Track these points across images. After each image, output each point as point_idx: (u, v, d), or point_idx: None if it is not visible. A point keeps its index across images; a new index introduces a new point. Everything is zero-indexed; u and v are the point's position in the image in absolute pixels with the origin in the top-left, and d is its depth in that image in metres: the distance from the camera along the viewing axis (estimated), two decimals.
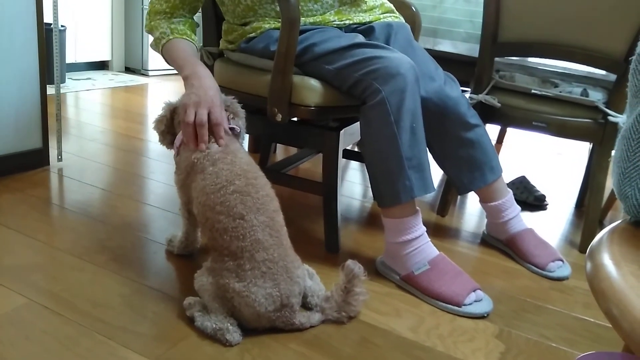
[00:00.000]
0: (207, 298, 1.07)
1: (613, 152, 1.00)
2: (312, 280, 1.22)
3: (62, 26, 3.39)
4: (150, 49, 3.93)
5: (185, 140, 1.18)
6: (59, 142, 1.97)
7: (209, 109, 1.16)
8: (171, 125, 1.27)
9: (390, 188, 1.29)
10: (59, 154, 1.97)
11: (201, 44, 1.60)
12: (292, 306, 1.08)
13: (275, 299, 1.05)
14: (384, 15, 1.54)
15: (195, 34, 1.39)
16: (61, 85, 3.28)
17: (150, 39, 1.41)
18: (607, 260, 0.53)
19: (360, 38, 1.34)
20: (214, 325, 1.05)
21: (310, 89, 1.34)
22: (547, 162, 2.92)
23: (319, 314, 1.14)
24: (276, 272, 1.05)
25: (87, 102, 2.99)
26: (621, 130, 0.66)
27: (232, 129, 1.23)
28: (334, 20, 1.44)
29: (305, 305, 1.18)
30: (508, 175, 2.14)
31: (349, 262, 1.12)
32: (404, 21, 1.57)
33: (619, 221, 0.66)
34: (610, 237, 0.59)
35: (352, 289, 1.12)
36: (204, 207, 1.10)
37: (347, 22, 1.47)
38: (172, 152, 1.27)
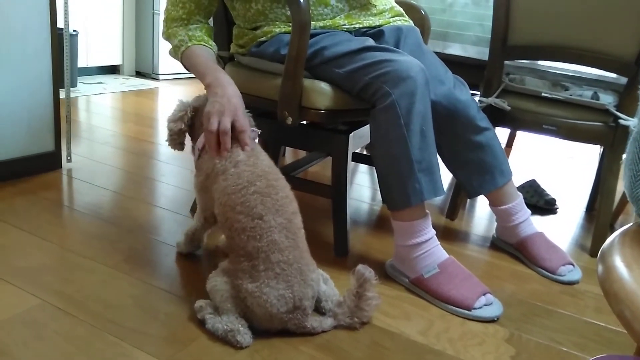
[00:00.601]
0: (219, 299, 1.08)
1: (624, 155, 0.99)
2: (326, 285, 1.21)
3: (74, 31, 3.43)
4: (161, 53, 3.98)
5: (208, 147, 1.19)
6: (69, 143, 1.99)
7: (233, 117, 1.17)
8: (190, 125, 1.26)
9: (400, 191, 1.29)
10: (69, 155, 1.99)
11: None
12: (305, 309, 1.08)
13: (288, 300, 1.05)
14: (394, 19, 1.54)
15: (212, 39, 1.40)
16: (73, 89, 3.31)
17: (166, 44, 1.42)
18: (619, 263, 0.53)
19: (370, 42, 1.34)
20: (225, 327, 1.06)
21: (321, 93, 1.34)
22: (557, 166, 2.90)
23: (331, 319, 1.14)
24: (290, 274, 1.06)
25: (98, 106, 3.02)
26: (633, 133, 0.66)
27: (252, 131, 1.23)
28: (344, 24, 1.45)
29: (319, 310, 1.18)
30: (518, 178, 2.13)
31: (360, 266, 1.12)
32: (413, 25, 1.57)
33: (631, 224, 0.65)
34: (622, 240, 0.59)
35: (363, 293, 1.12)
36: (224, 207, 1.11)
37: (357, 25, 1.47)
38: (179, 154, 1.27)
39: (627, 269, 0.51)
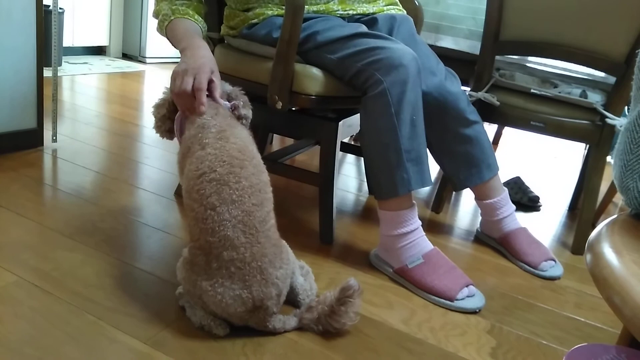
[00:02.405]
0: (185, 292, 1.05)
1: (613, 151, 1.00)
2: (306, 277, 1.17)
3: (60, 9, 3.36)
4: (148, 35, 3.92)
5: (179, 109, 1.16)
6: (54, 123, 1.95)
7: (195, 75, 1.12)
8: (173, 110, 1.22)
9: (388, 180, 1.29)
10: (54, 134, 1.95)
11: None
12: (267, 308, 1.01)
13: (246, 300, 0.98)
14: (388, 7, 1.53)
15: (200, 15, 1.36)
16: (58, 68, 3.25)
17: (154, 27, 1.39)
18: (607, 249, 0.53)
19: (363, 28, 1.33)
20: (200, 321, 1.03)
21: (312, 78, 1.33)
22: (541, 165, 2.93)
23: (295, 320, 1.07)
24: (247, 273, 0.97)
25: (83, 86, 2.96)
26: (625, 124, 0.66)
27: (234, 107, 1.18)
28: (338, 10, 1.44)
29: (295, 304, 1.13)
30: (503, 175, 2.14)
31: (352, 282, 1.04)
32: (407, 14, 1.56)
33: (617, 215, 0.66)
34: (611, 228, 0.59)
35: (339, 311, 1.04)
36: (185, 192, 1.04)
37: (351, 12, 1.46)
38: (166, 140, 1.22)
39: (616, 255, 0.51)
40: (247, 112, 1.22)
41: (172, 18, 1.32)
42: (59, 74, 3.13)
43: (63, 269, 1.17)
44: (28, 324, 0.98)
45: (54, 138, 1.95)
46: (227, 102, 1.18)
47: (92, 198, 1.56)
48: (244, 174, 1.01)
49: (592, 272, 0.52)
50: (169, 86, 1.22)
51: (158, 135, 1.27)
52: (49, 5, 2.11)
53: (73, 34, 3.67)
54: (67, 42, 3.61)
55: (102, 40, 3.94)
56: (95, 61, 3.76)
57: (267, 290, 0.99)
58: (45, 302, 1.05)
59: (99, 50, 4.05)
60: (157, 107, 1.22)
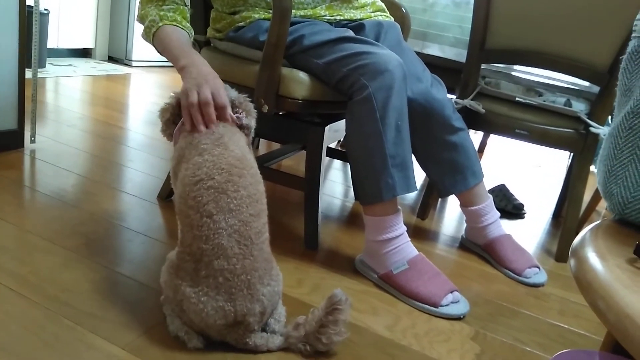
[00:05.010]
0: (164, 297, 1.02)
1: (596, 158, 1.01)
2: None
3: (45, 10, 3.32)
4: (135, 38, 3.89)
5: (191, 124, 1.08)
6: (33, 123, 1.91)
7: (212, 90, 1.09)
8: (178, 114, 1.17)
9: (373, 185, 1.28)
10: (32, 135, 1.91)
11: None
12: (249, 325, 0.97)
13: (228, 314, 0.94)
14: (375, 13, 1.54)
15: (187, 21, 1.33)
16: (41, 70, 3.20)
17: (140, 30, 1.35)
18: (591, 254, 0.53)
19: (349, 33, 1.33)
20: (176, 331, 1.00)
21: (299, 82, 1.32)
22: (526, 174, 2.95)
23: (281, 339, 1.02)
24: (234, 286, 0.94)
25: (67, 88, 2.93)
26: (609, 129, 0.66)
27: (237, 118, 1.15)
28: (325, 15, 1.43)
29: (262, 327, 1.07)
30: (488, 183, 2.16)
31: (338, 291, 0.99)
32: (394, 21, 1.57)
33: (601, 220, 0.65)
34: (595, 233, 0.59)
35: (328, 324, 0.98)
36: (180, 198, 1.02)
37: (338, 17, 1.46)
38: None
39: (600, 260, 0.51)
40: (250, 121, 1.16)
41: (160, 25, 1.26)
42: (42, 76, 3.09)
43: (41, 273, 1.15)
44: (2, 330, 0.95)
45: (32, 139, 1.91)
46: (231, 113, 1.15)
47: (73, 201, 1.53)
48: (242, 183, 0.99)
49: (576, 276, 0.51)
50: (175, 91, 1.18)
51: (167, 139, 1.22)
52: (32, 6, 2.08)
53: (58, 36, 3.63)
54: (51, 44, 3.57)
55: (87, 43, 3.90)
56: (81, 63, 3.72)
57: (252, 306, 0.96)
58: (20, 306, 1.02)
59: (84, 53, 4.01)
60: (163, 111, 1.18)
